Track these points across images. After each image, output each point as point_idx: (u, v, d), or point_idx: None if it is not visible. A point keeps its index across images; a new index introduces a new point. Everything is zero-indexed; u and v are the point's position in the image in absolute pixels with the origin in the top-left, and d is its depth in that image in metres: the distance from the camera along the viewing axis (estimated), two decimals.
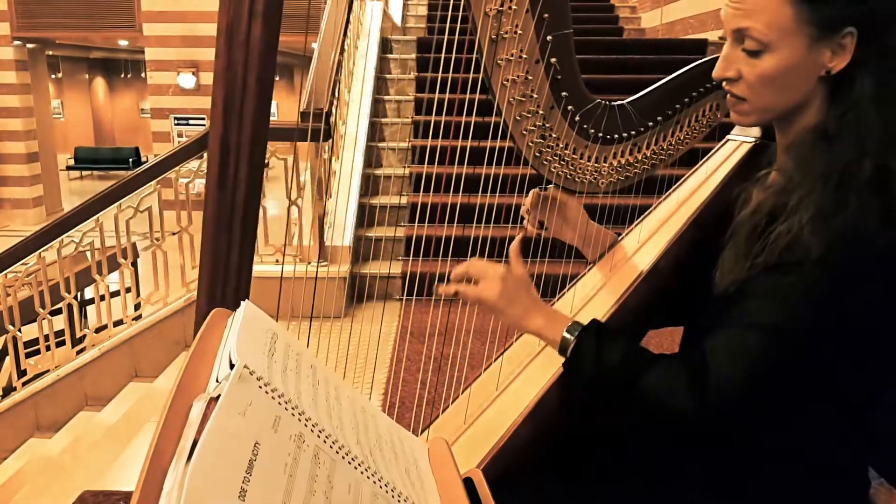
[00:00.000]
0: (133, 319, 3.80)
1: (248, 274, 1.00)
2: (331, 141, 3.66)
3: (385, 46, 5.52)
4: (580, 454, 1.11)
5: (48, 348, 3.86)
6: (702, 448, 0.99)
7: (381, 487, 0.62)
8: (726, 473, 0.97)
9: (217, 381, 0.56)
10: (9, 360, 4.03)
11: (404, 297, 3.61)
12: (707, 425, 0.91)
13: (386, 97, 5.03)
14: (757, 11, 0.87)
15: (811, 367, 0.90)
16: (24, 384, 3.88)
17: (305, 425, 0.58)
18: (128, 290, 3.90)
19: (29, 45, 11.81)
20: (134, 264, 3.93)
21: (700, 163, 1.32)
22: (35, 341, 4.02)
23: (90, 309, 4.60)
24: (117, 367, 3.68)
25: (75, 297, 3.79)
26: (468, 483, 0.81)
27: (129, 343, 3.68)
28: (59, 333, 3.99)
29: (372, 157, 4.48)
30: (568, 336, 0.97)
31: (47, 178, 12.83)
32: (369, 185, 4.23)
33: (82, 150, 18.47)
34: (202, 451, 0.46)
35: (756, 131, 1.25)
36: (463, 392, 1.25)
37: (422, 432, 1.23)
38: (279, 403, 0.56)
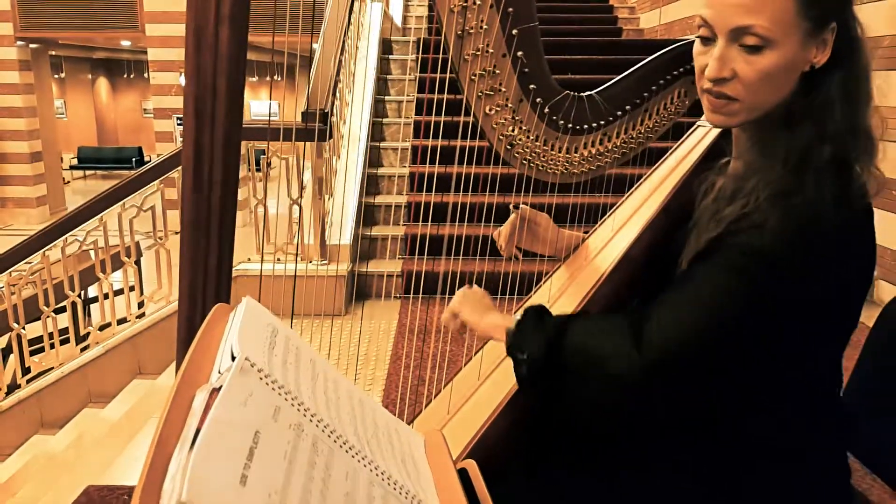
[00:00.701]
0: (136, 317, 3.83)
1: (227, 274, 1.02)
2: (331, 141, 3.69)
3: (386, 47, 5.55)
4: (556, 444, 1.14)
5: (52, 346, 3.89)
6: (683, 437, 1.01)
7: (377, 476, 0.65)
8: (709, 463, 0.99)
9: (219, 372, 0.59)
10: (13, 358, 4.06)
11: (403, 295, 3.64)
12: (648, 376, 0.90)
13: (387, 97, 5.06)
14: (761, 8, 0.87)
15: (768, 346, 0.91)
16: (28, 381, 3.91)
17: (304, 415, 0.61)
18: (131, 288, 3.93)
19: (32, 46, 11.83)
20: (137, 263, 3.96)
21: (671, 149, 1.34)
22: (39, 339, 4.06)
23: (94, 307, 4.63)
24: (121, 365, 3.71)
25: (79, 296, 3.82)
26: (463, 474, 0.83)
27: (133, 341, 3.71)
28: (63, 332, 4.02)
29: (373, 157, 4.51)
30: (511, 326, 1.02)
31: (50, 177, 12.87)
32: (370, 184, 4.26)
33: (86, 149, 18.52)
34: (204, 439, 0.48)
35: None
36: (445, 386, 1.28)
37: (408, 424, 1.26)
38: (279, 394, 0.59)
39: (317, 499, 0.54)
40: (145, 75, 18.17)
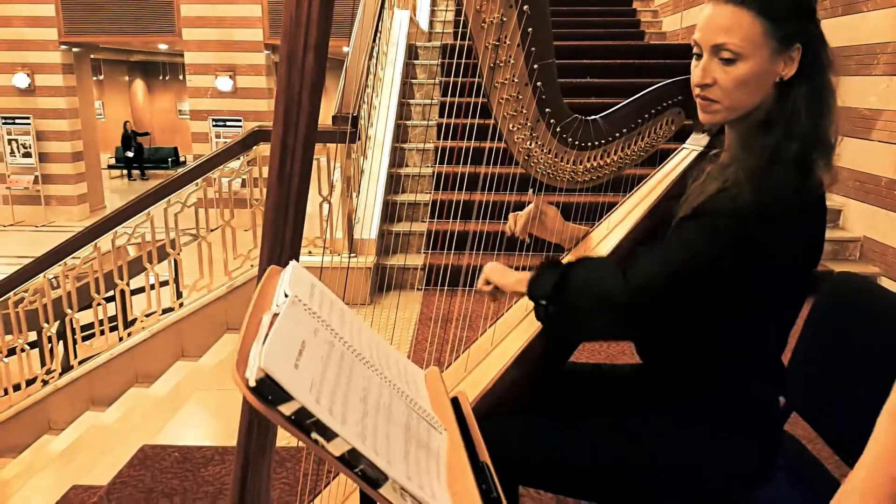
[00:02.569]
0: (179, 305, 4.15)
1: (298, 246, 1.29)
2: (359, 142, 3.97)
3: (411, 52, 5.82)
4: (554, 393, 1.40)
5: (102, 332, 4.23)
6: (654, 382, 1.27)
7: (386, 383, 0.91)
8: (677, 400, 1.25)
9: (277, 305, 0.86)
10: (67, 341, 4.41)
11: (424, 287, 3.91)
12: (633, 304, 1.13)
13: (412, 101, 5.33)
14: (734, 28, 1.12)
15: (725, 293, 1.13)
16: (80, 363, 4.25)
17: (335, 337, 0.87)
18: (175, 279, 4.25)
19: (74, 50, 12.29)
20: (179, 255, 4.27)
21: (659, 166, 1.61)
22: (90, 326, 4.40)
23: (139, 298, 4.94)
24: (165, 348, 4.02)
25: (127, 284, 4.14)
26: (455, 401, 1.10)
27: (177, 326, 4.03)
28: (112, 319, 4.35)
29: (397, 158, 4.79)
30: (531, 277, 1.27)
31: (91, 176, 13.34)
32: (394, 183, 4.54)
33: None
34: (271, 340, 0.75)
35: (704, 140, 1.53)
36: (464, 352, 1.55)
37: None
38: (317, 321, 0.86)
39: (342, 390, 0.81)
40: (180, 77, 18.65)
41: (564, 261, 1.57)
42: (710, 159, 1.26)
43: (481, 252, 3.25)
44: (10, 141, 12.44)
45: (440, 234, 3.99)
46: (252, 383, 0.67)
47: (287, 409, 0.68)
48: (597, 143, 1.49)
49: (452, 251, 3.76)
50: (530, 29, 1.33)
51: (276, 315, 0.81)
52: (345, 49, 4.38)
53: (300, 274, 0.96)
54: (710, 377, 1.23)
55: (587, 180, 1.54)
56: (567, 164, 1.50)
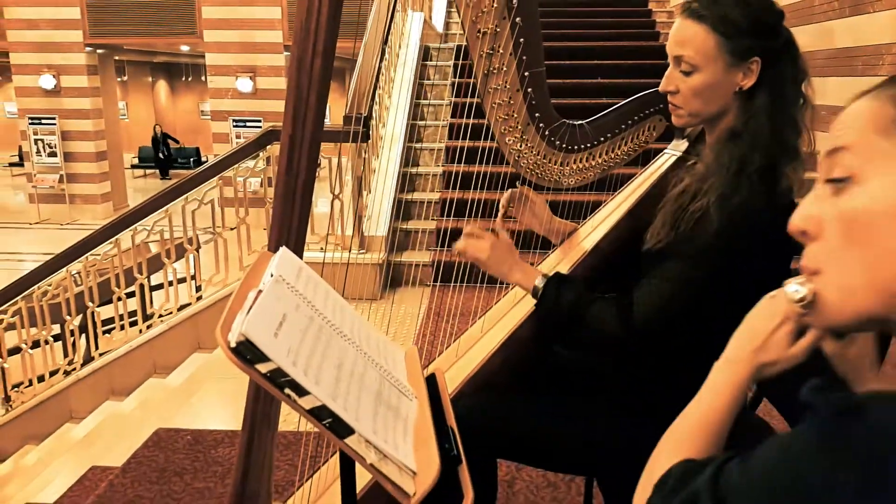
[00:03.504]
0: (196, 299, 4.28)
1: (304, 234, 1.39)
2: (370, 141, 4.08)
3: (426, 54, 5.93)
4: (537, 375, 1.50)
5: (122, 328, 4.38)
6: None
7: (363, 355, 1.01)
8: (654, 390, 1.33)
9: (263, 283, 0.96)
10: (87, 334, 4.57)
11: (433, 283, 4.01)
12: (631, 347, 1.25)
13: (424, 101, 5.44)
14: (691, 42, 1.21)
15: (716, 307, 1.19)
16: (100, 354, 4.40)
17: (315, 313, 0.98)
18: (192, 276, 4.39)
19: (99, 51, 12.55)
20: (197, 251, 4.41)
21: (641, 169, 1.69)
22: (111, 320, 4.55)
23: (157, 294, 5.08)
24: (182, 340, 4.16)
25: (146, 279, 4.29)
26: (432, 377, 1.20)
27: (193, 319, 4.16)
28: (132, 314, 4.50)
29: (410, 157, 4.89)
30: (538, 283, 1.35)
31: (114, 175, 13.60)
32: (406, 181, 4.64)
33: (146, 149, 19.37)
34: (255, 311, 0.85)
35: (683, 146, 1.61)
36: (454, 341, 1.65)
37: (424, 369, 1.63)
38: (299, 298, 0.96)
39: (318, 358, 0.91)
40: (203, 78, 18.91)
41: (555, 256, 1.66)
42: (686, 169, 1.33)
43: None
44: (36, 141, 12.72)
45: (451, 232, 4.08)
46: (233, 345, 0.77)
47: (263, 367, 0.79)
48: (583, 146, 1.57)
49: None
50: (522, 39, 1.42)
51: (260, 291, 0.91)
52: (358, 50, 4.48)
53: (288, 258, 1.06)
54: (688, 373, 1.31)
55: (574, 180, 1.63)
56: (555, 165, 1.59)
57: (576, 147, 1.56)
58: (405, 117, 4.96)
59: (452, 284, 3.89)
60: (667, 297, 1.23)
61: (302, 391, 0.80)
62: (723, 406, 0.79)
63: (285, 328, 0.88)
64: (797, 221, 0.67)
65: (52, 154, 12.79)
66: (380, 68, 4.23)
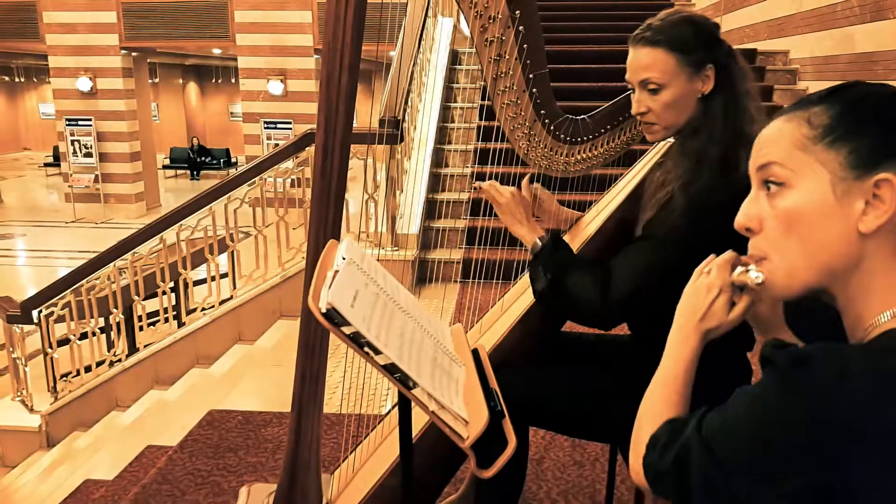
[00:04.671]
0: (238, 292, 4.49)
1: (338, 229, 1.56)
2: (403, 144, 4.26)
3: (455, 58, 6.10)
4: (563, 355, 1.66)
5: (166, 320, 4.61)
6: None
7: (419, 326, 1.19)
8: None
9: (337, 265, 1.14)
10: (133, 326, 4.80)
11: (462, 280, 4.18)
12: (608, 313, 1.41)
13: (453, 104, 5.61)
14: (653, 64, 1.39)
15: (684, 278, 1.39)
16: (145, 346, 4.63)
17: (379, 290, 1.15)
18: (232, 270, 4.60)
19: (133, 54, 12.92)
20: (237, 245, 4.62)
21: (632, 167, 1.86)
22: (156, 313, 4.78)
23: (201, 287, 5.29)
24: (224, 332, 4.37)
25: (188, 275, 4.50)
26: (475, 351, 1.37)
27: (234, 312, 4.37)
28: (176, 307, 4.72)
29: (439, 158, 5.07)
30: (538, 240, 1.52)
31: (147, 175, 13.95)
32: (436, 182, 4.82)
33: (177, 150, 19.79)
34: (335, 286, 1.03)
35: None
36: (479, 320, 1.82)
37: None
38: (366, 277, 1.14)
39: (385, 327, 1.08)
40: (232, 80, 19.25)
41: (566, 235, 1.83)
42: (660, 164, 1.50)
43: (516, 248, 3.51)
44: (72, 142, 13.11)
45: (478, 231, 4.25)
46: (323, 310, 0.95)
47: (347, 330, 0.97)
48: (585, 138, 1.73)
49: (488, 246, 4.02)
50: (525, 45, 1.58)
51: (336, 271, 1.09)
52: (391, 54, 4.66)
53: (353, 245, 1.24)
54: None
55: (578, 170, 1.79)
56: (561, 156, 1.75)
57: (579, 139, 1.72)
58: (435, 120, 5.13)
59: (478, 281, 4.08)
60: (639, 270, 1.39)
61: (377, 351, 0.98)
62: (682, 370, 0.97)
63: (359, 301, 1.06)
64: (741, 220, 0.85)
65: (88, 154, 13.17)
66: (412, 73, 4.41)
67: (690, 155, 1.39)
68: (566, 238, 1.83)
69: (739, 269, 0.90)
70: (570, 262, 1.49)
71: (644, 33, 1.41)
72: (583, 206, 1.91)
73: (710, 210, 1.33)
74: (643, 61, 1.40)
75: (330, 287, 1.01)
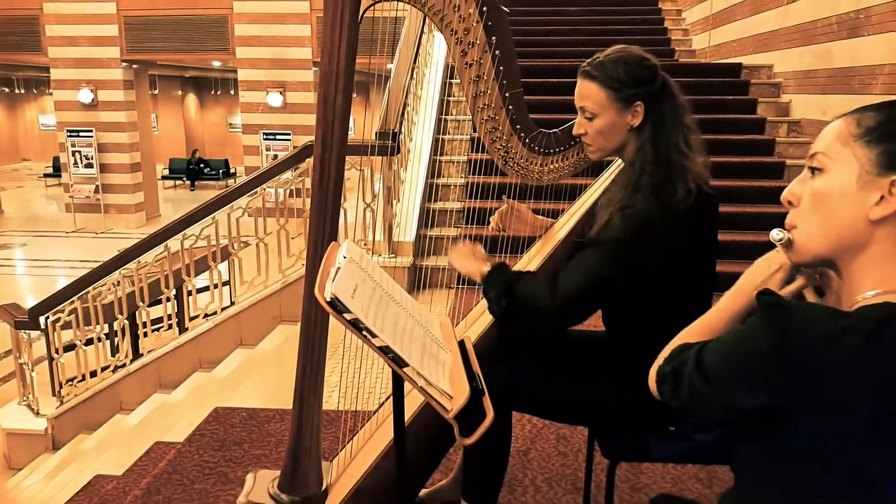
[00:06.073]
0: (239, 298, 4.64)
1: (335, 235, 1.72)
2: (399, 155, 4.43)
3: (451, 72, 6.28)
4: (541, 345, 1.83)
5: (170, 326, 4.76)
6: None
7: (410, 317, 1.35)
8: (623, 363, 1.64)
9: (338, 263, 1.30)
10: (137, 331, 4.95)
11: (456, 286, 4.34)
12: (558, 308, 1.55)
13: (448, 117, 5.78)
14: (588, 97, 1.59)
15: (629, 289, 1.56)
16: (149, 351, 4.78)
17: (376, 285, 1.31)
18: (230, 279, 4.75)
19: (134, 66, 13.09)
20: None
21: (597, 178, 2.03)
22: (160, 319, 4.92)
23: (204, 294, 5.44)
24: (226, 337, 4.52)
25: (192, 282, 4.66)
26: (461, 342, 1.52)
27: (236, 317, 4.52)
28: (178, 315, 4.88)
29: (435, 168, 5.24)
30: (484, 270, 1.69)
31: (147, 186, 14.09)
32: (431, 192, 4.98)
33: (176, 160, 19.95)
34: (338, 280, 1.19)
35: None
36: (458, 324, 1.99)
37: None
38: (365, 273, 1.30)
39: (381, 316, 1.24)
40: (231, 92, 19.45)
41: (536, 246, 2.00)
42: (608, 189, 1.68)
43: (507, 255, 3.67)
44: (73, 153, 13.27)
45: (472, 238, 4.40)
46: (328, 299, 1.11)
47: (348, 317, 1.12)
48: (557, 149, 1.91)
49: (487, 254, 4.17)
50: (501, 67, 1.76)
51: (339, 268, 1.25)
52: (389, 66, 4.83)
53: (353, 247, 1.40)
54: (643, 350, 1.63)
55: (551, 178, 1.96)
56: (535, 166, 1.93)
57: (551, 150, 1.91)
58: (431, 132, 5.31)
59: (473, 287, 4.24)
60: (582, 276, 1.56)
61: (373, 335, 1.14)
62: (725, 317, 1.13)
63: (358, 293, 1.22)
64: (785, 195, 1.00)
65: (89, 165, 13.31)
66: (409, 86, 4.58)
67: (628, 183, 1.57)
68: (539, 244, 2.01)
69: (775, 231, 1.03)
70: (514, 277, 1.66)
71: (586, 67, 1.60)
72: (556, 214, 2.09)
73: (644, 232, 1.50)
74: (582, 92, 1.61)
75: (333, 280, 1.17)
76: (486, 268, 1.70)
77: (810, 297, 1.09)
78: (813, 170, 0.96)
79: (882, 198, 0.89)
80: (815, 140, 0.98)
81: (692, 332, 1.15)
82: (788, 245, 0.99)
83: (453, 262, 1.80)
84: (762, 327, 0.87)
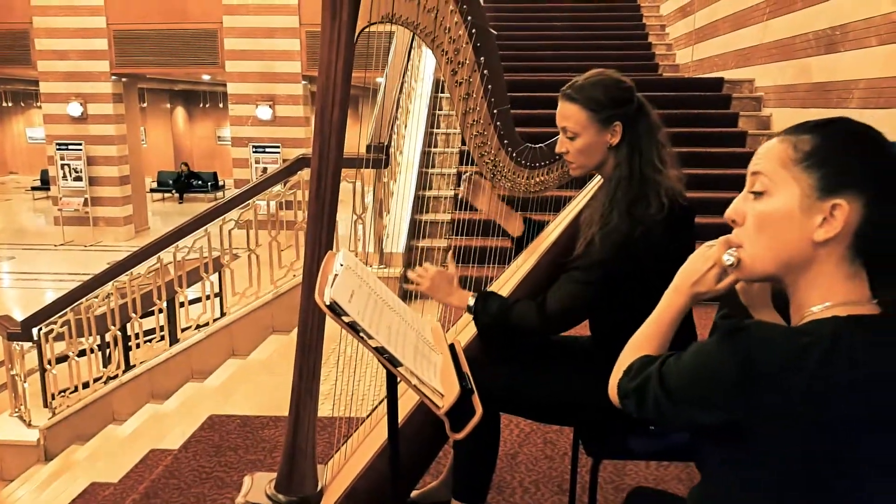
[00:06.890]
0: (231, 309, 4.70)
1: (330, 245, 1.80)
2: (389, 168, 4.51)
3: (440, 86, 6.38)
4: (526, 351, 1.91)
5: (162, 338, 4.81)
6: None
7: (403, 321, 1.43)
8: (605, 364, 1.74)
9: (335, 270, 1.38)
10: (129, 342, 4.99)
11: None
12: (548, 327, 1.68)
13: (437, 130, 5.88)
14: (569, 117, 1.68)
15: (611, 301, 1.65)
16: (141, 362, 4.82)
17: (371, 291, 1.39)
18: (220, 290, 4.81)
19: (124, 80, 13.16)
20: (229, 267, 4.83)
21: (580, 190, 2.12)
22: (152, 330, 4.97)
23: (196, 305, 5.49)
24: (218, 347, 4.57)
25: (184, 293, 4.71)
26: (452, 346, 1.60)
27: (228, 328, 4.58)
28: (171, 325, 4.92)
29: (424, 181, 5.33)
30: (470, 302, 1.78)
31: (136, 199, 14.12)
32: (421, 203, 5.07)
33: (164, 173, 19.96)
34: (336, 285, 1.27)
35: None
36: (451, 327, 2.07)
37: None
38: (361, 280, 1.38)
39: (376, 320, 1.32)
40: (220, 105, 19.51)
41: (521, 257, 2.08)
42: (589, 205, 1.78)
43: (495, 265, 3.76)
44: (62, 166, 13.29)
45: (461, 249, 4.49)
46: (327, 303, 1.19)
47: (346, 319, 1.20)
48: (542, 163, 2.00)
49: (470, 264, 4.26)
50: (490, 85, 1.85)
51: (336, 275, 1.33)
52: (378, 80, 4.93)
53: (349, 255, 1.48)
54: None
55: (537, 190, 2.05)
56: (522, 179, 2.02)
57: (537, 164, 2.00)
58: (420, 145, 5.40)
59: None
60: (569, 296, 1.66)
61: (370, 336, 1.22)
62: (668, 321, 1.18)
63: (355, 298, 1.30)
64: (729, 213, 1.04)
65: (78, 178, 13.34)
66: (398, 101, 4.68)
67: (606, 200, 1.67)
68: (525, 254, 2.09)
69: (726, 255, 1.07)
70: (503, 305, 1.74)
71: (567, 90, 1.69)
72: (541, 225, 2.17)
73: (622, 251, 1.60)
74: (563, 112, 1.71)
75: (332, 286, 1.25)
76: (469, 298, 1.79)
77: (741, 285, 1.14)
78: (756, 193, 1.00)
79: (824, 219, 0.93)
80: (756, 155, 1.02)
81: (641, 340, 1.19)
82: (737, 265, 1.03)
83: (432, 295, 1.85)
84: (723, 349, 0.94)
